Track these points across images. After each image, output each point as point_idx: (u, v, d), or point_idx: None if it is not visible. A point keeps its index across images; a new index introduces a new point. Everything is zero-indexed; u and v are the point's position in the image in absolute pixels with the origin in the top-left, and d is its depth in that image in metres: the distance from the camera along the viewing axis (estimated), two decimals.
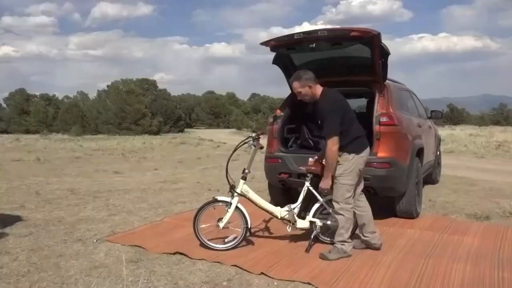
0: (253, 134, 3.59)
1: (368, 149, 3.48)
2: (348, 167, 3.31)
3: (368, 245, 3.52)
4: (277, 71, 4.94)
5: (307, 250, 3.46)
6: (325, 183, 3.34)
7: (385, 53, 4.27)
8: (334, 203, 3.41)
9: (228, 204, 3.52)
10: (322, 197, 3.60)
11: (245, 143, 3.63)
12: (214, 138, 25.54)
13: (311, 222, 3.62)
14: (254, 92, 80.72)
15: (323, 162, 3.44)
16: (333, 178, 3.35)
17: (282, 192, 4.89)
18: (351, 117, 3.41)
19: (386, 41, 4.11)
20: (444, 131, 22.47)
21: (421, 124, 5.43)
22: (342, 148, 3.30)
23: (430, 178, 6.66)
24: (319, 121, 3.43)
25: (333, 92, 3.47)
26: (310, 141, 5.01)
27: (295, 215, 3.59)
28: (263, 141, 3.74)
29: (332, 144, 3.23)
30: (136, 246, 3.60)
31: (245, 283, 2.84)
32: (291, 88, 5.12)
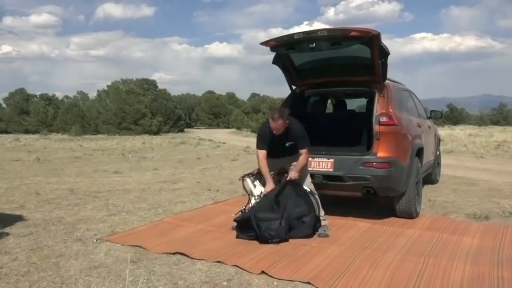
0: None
1: None
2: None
3: None
4: (277, 71, 4.95)
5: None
6: (294, 175, 3.99)
7: (384, 53, 4.27)
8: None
9: None
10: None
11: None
12: (214, 138, 25.53)
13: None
14: (253, 92, 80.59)
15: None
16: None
17: None
18: None
19: (386, 41, 4.12)
20: (443, 131, 22.48)
21: (421, 124, 5.43)
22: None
23: (430, 178, 6.66)
24: (287, 144, 4.04)
25: (294, 121, 4.14)
26: None
27: None
28: None
29: (307, 153, 4.05)
30: (136, 246, 3.60)
31: (245, 283, 2.85)
32: (291, 88, 5.14)
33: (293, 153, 4.08)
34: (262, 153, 4.05)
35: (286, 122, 3.92)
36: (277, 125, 3.87)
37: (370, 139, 4.36)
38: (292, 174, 3.98)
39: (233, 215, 4.04)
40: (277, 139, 4.01)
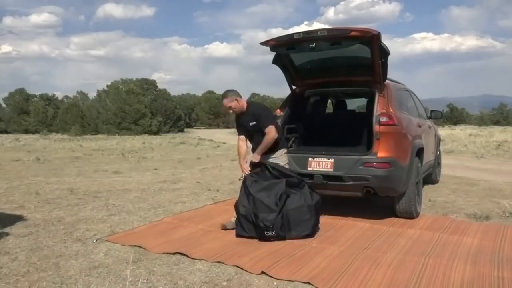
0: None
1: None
2: (285, 160, 4.15)
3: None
4: (277, 71, 4.95)
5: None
6: (255, 157, 4.01)
7: (385, 53, 4.27)
8: None
9: None
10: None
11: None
12: (214, 138, 25.52)
13: None
14: (253, 92, 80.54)
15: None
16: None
17: None
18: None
19: (386, 41, 4.12)
20: (444, 131, 22.48)
21: (421, 124, 5.42)
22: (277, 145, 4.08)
23: (430, 178, 6.66)
24: (251, 124, 4.03)
25: (256, 102, 4.10)
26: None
27: None
28: None
29: (272, 130, 3.95)
30: (136, 246, 3.60)
31: (245, 283, 2.84)
32: (291, 88, 5.14)
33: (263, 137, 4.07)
34: (239, 138, 4.24)
35: (236, 101, 3.98)
36: (225, 104, 4.01)
37: (370, 139, 4.36)
38: (254, 156, 4.00)
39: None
40: (242, 121, 4.13)
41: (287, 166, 4.14)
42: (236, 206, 3.96)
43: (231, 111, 4.08)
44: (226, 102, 4.01)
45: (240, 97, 4.05)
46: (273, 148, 4.07)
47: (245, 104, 4.06)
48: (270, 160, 4.08)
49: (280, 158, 4.14)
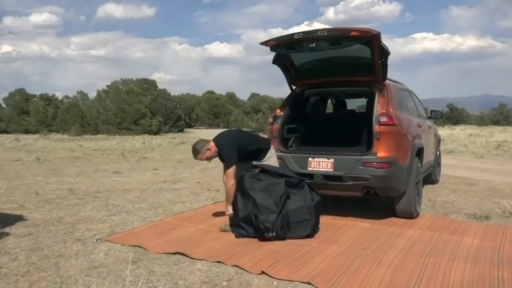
0: None
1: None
2: (275, 161, 4.27)
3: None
4: (277, 71, 4.95)
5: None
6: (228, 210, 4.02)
7: (385, 53, 4.27)
8: None
9: None
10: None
11: None
12: None
13: None
14: (253, 92, 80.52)
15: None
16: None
17: None
18: (248, 140, 4.28)
19: (386, 41, 4.12)
20: (444, 131, 22.48)
21: (421, 124, 5.42)
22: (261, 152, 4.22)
23: (430, 178, 6.66)
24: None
25: (222, 134, 4.36)
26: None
27: None
28: None
29: (226, 177, 4.00)
30: (136, 246, 3.60)
31: (245, 283, 2.84)
32: (291, 88, 5.14)
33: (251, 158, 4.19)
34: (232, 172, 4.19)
35: (208, 150, 4.14)
36: (201, 159, 4.23)
37: (370, 139, 4.36)
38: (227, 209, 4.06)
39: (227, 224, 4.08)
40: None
41: (277, 165, 4.22)
42: (234, 210, 3.97)
43: (209, 161, 4.23)
44: (201, 157, 4.17)
45: (208, 142, 4.20)
46: (259, 154, 4.20)
47: (214, 146, 4.16)
48: (263, 163, 4.16)
49: (271, 159, 4.22)
